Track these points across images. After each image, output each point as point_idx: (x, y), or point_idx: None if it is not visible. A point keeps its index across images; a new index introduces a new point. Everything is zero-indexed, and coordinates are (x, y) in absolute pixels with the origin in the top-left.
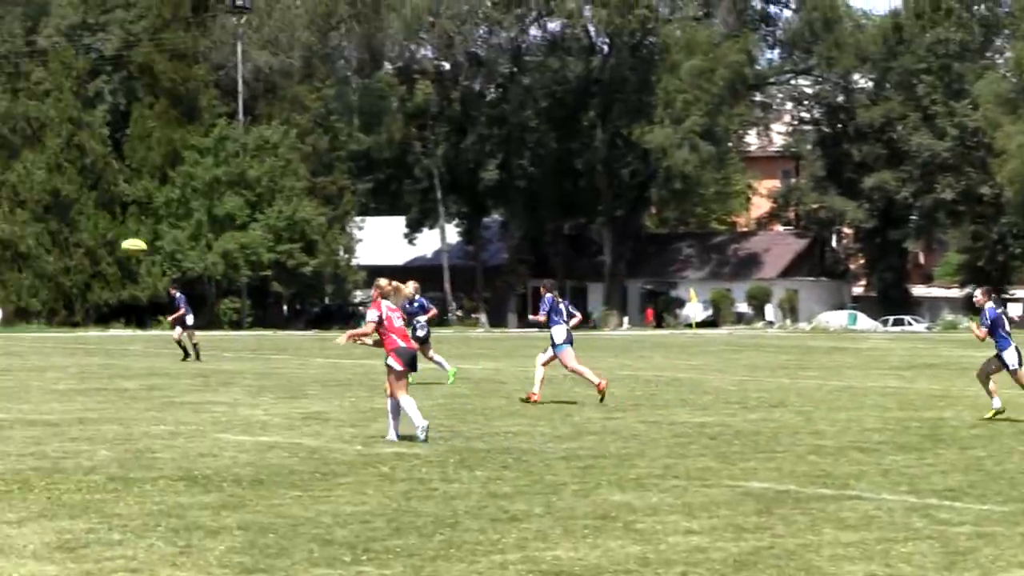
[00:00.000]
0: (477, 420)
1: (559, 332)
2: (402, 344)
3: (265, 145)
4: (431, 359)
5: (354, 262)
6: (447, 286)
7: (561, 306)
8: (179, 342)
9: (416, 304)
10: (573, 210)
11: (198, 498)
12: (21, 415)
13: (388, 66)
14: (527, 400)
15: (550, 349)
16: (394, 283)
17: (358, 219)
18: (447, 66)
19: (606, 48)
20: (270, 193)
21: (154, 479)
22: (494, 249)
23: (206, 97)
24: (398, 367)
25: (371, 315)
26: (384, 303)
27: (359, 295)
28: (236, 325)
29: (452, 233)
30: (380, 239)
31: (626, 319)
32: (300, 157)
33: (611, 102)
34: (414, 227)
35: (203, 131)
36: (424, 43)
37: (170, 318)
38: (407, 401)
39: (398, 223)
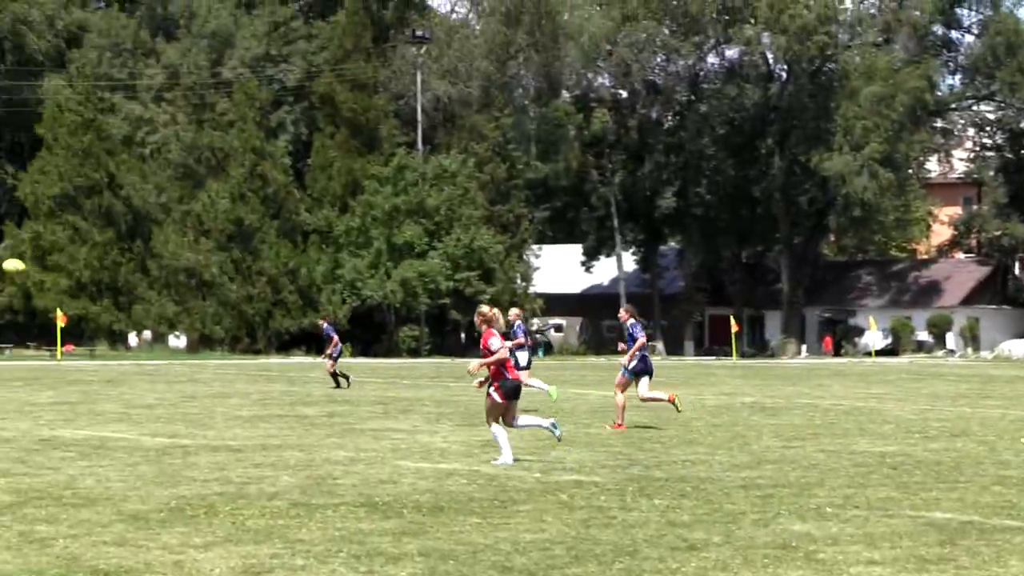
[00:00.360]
0: (654, 448)
1: (635, 359)
2: (507, 376)
3: (444, 174)
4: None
5: (532, 290)
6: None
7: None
8: (333, 374)
9: (513, 332)
10: (750, 238)
11: (379, 524)
12: (206, 441)
13: (565, 94)
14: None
15: (644, 377)
16: (495, 310)
17: (535, 247)
18: (624, 94)
19: (784, 75)
20: (448, 221)
21: (335, 505)
22: (671, 277)
23: (386, 127)
24: (498, 399)
25: (495, 343)
26: (496, 331)
27: (536, 323)
28: (414, 353)
29: (629, 261)
30: (557, 267)
31: (804, 347)
32: (478, 186)
33: (789, 129)
34: (591, 255)
35: (383, 160)
36: (601, 71)
37: (327, 352)
38: (498, 431)
39: (575, 251)
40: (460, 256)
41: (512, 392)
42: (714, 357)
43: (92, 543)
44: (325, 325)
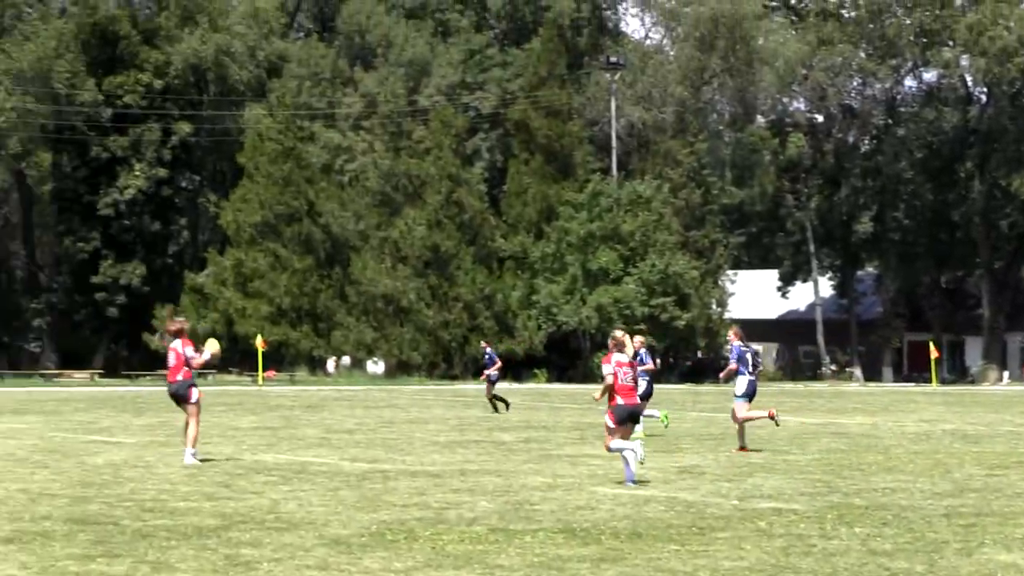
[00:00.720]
0: (854, 476)
1: (741, 383)
2: (621, 402)
3: (638, 200)
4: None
5: (727, 315)
6: (820, 340)
7: (748, 356)
8: (491, 399)
9: (640, 359)
10: (949, 262)
11: (577, 550)
12: (405, 466)
13: (760, 119)
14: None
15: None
16: (625, 336)
17: (730, 272)
18: (820, 118)
19: (984, 98)
20: (643, 247)
21: (534, 531)
22: (868, 302)
23: (580, 153)
24: (610, 424)
25: (607, 369)
26: (615, 357)
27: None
28: None
29: (825, 286)
30: (752, 292)
31: (1006, 373)
32: (673, 211)
33: (989, 152)
34: (787, 280)
35: (577, 186)
36: (797, 96)
37: (484, 374)
38: (617, 445)
39: (770, 276)
40: (655, 282)
41: (625, 416)
42: (913, 384)
43: (295, 567)
44: (488, 349)
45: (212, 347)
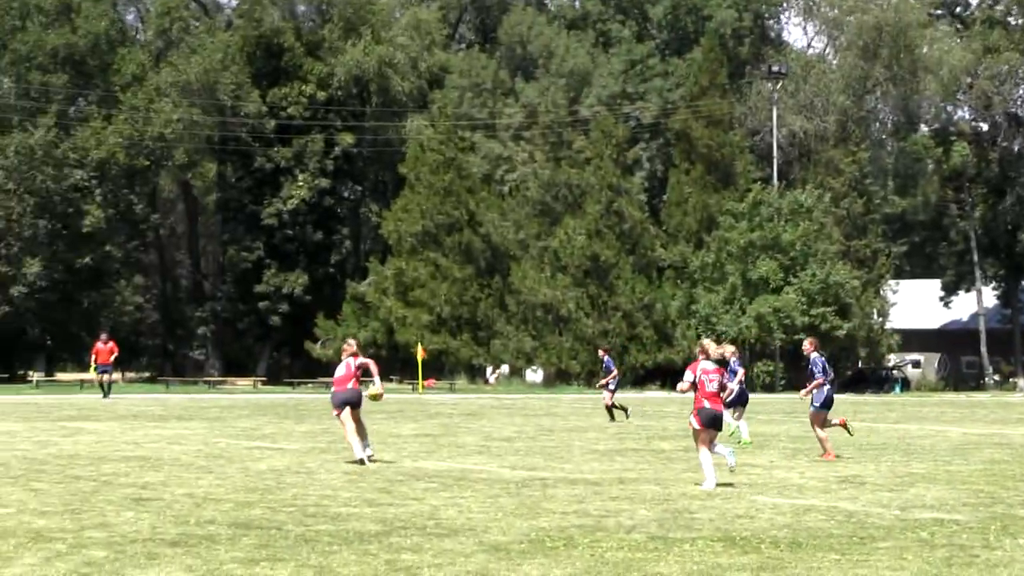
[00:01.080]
0: (1018, 487)
1: (820, 393)
2: (707, 406)
3: (799, 209)
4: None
5: (888, 325)
6: (983, 350)
7: (825, 365)
8: (609, 407)
9: (731, 368)
10: None
11: (736, 559)
12: (563, 474)
13: (924, 128)
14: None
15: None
16: (711, 344)
17: (892, 282)
18: (985, 127)
19: None
20: (804, 257)
21: (693, 539)
22: None
23: (741, 162)
24: (696, 426)
25: (687, 376)
26: (702, 365)
27: (892, 359)
28: (769, 388)
29: (989, 296)
30: (914, 302)
31: None
32: (834, 221)
33: None
34: (949, 290)
35: (738, 196)
36: (961, 104)
37: (599, 383)
38: (705, 456)
39: (933, 286)
40: (815, 291)
41: (709, 421)
42: None
43: (455, 573)
44: (606, 358)
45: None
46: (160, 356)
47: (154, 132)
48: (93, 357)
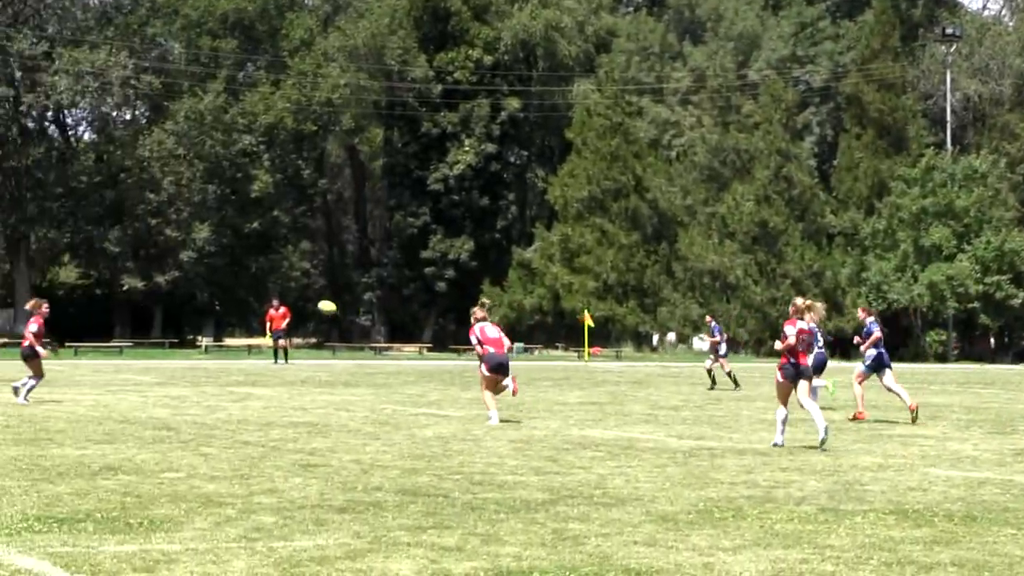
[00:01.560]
0: None
1: (871, 354)
2: (791, 361)
3: (973, 175)
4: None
5: None
6: None
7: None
8: (727, 373)
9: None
10: None
11: (909, 532)
12: (731, 443)
13: None
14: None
15: (886, 370)
16: (808, 302)
17: None
18: None
19: None
20: (978, 224)
21: (864, 511)
22: None
23: (914, 127)
24: (780, 378)
25: (788, 330)
26: (799, 323)
27: None
28: (941, 358)
29: None
30: None
31: None
32: (1009, 186)
33: None
34: None
35: (910, 161)
36: None
37: (714, 347)
38: (780, 413)
39: None
40: (990, 259)
41: (793, 374)
42: None
43: (623, 543)
44: (713, 323)
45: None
46: (327, 322)
47: (321, 97)
48: (268, 324)
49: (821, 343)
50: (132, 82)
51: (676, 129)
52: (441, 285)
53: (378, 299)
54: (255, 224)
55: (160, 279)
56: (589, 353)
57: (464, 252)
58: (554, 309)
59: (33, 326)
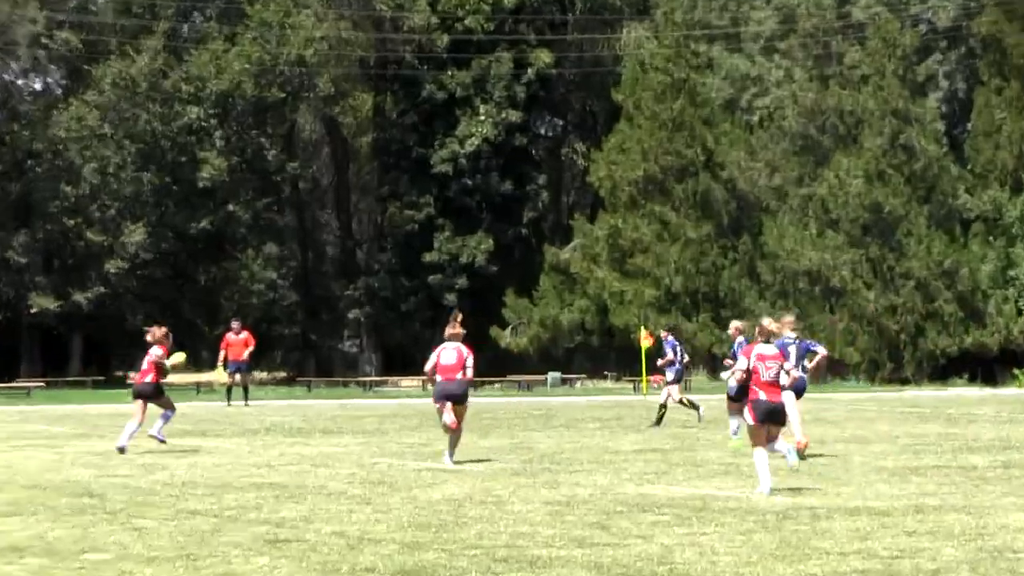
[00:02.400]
0: None
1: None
2: (762, 397)
3: None
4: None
5: None
6: None
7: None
8: (666, 404)
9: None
10: None
11: None
12: (841, 500)
13: None
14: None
15: None
16: (779, 324)
17: None
18: None
19: None
20: None
21: None
22: None
23: None
24: (750, 420)
25: (740, 363)
26: (758, 349)
27: None
28: None
29: None
30: None
31: None
32: None
33: None
34: None
35: None
36: None
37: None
38: (759, 456)
39: None
40: None
41: (766, 415)
42: None
43: None
44: (670, 339)
45: (177, 359)
46: (300, 349)
47: (291, 55)
48: (222, 353)
49: (793, 362)
50: (43, 40)
51: (758, 86)
52: (450, 298)
53: (367, 318)
54: (204, 223)
55: (79, 298)
56: (648, 383)
57: (480, 254)
58: (601, 326)
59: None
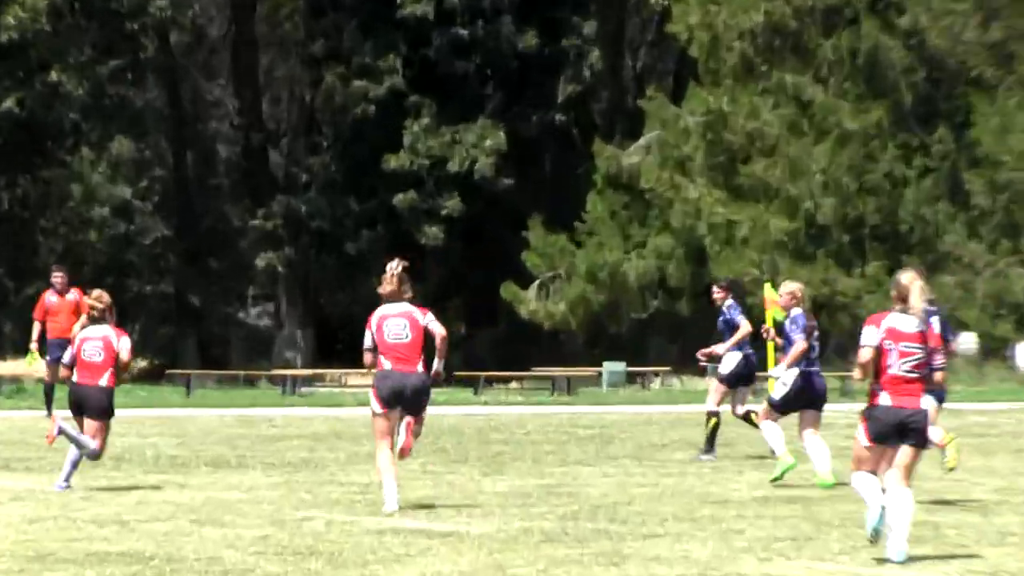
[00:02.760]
0: None
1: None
2: (887, 402)
3: None
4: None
5: None
6: None
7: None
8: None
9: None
10: None
11: None
12: None
13: None
14: None
15: None
16: (914, 281)
17: None
18: None
19: None
20: None
21: None
22: None
23: None
24: (862, 439)
25: (868, 335)
26: (887, 320)
27: None
28: None
29: None
30: None
31: None
32: None
33: None
34: None
35: None
36: None
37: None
38: (863, 482)
39: None
40: None
41: (888, 430)
42: None
43: None
44: (728, 302)
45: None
46: (173, 321)
47: None
48: (38, 327)
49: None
50: None
51: None
52: (431, 232)
53: (289, 267)
54: (8, 102)
55: None
56: (774, 382)
57: (484, 157)
58: (694, 283)
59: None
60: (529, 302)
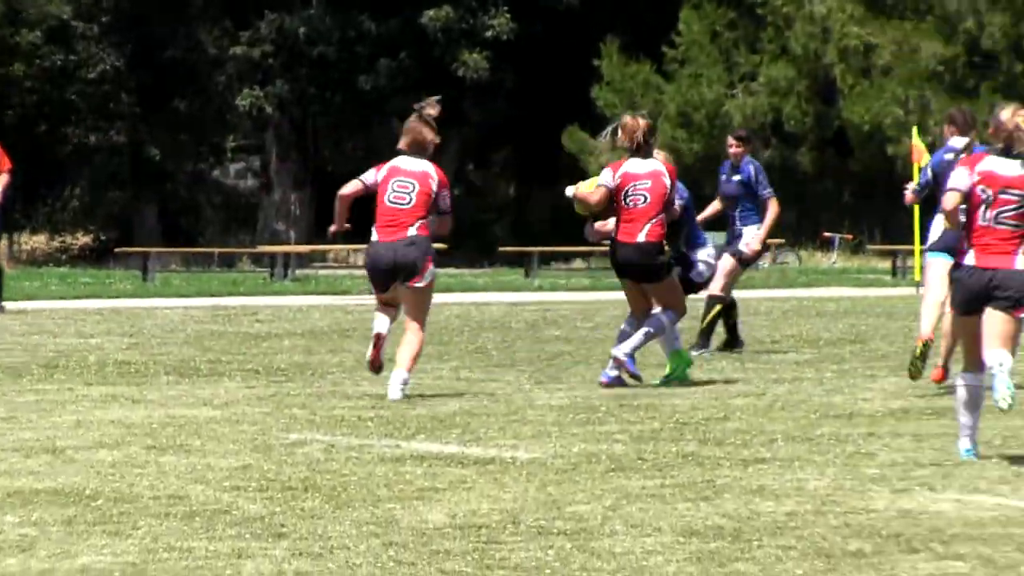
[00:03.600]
0: None
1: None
2: (971, 260)
3: None
4: None
5: None
6: None
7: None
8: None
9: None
10: None
11: None
12: None
13: None
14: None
15: None
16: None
17: None
18: None
19: None
20: None
21: None
22: None
23: None
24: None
25: (957, 177)
26: (983, 165)
27: None
28: None
29: None
30: None
31: None
32: None
33: None
34: None
35: None
36: None
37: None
38: (971, 382)
39: None
40: None
41: (970, 295)
42: None
43: None
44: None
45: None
46: (125, 183)
47: None
48: None
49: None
50: None
51: None
52: (474, 59)
53: (279, 107)
54: None
55: None
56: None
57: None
58: (819, 126)
59: None
60: (600, 153)
